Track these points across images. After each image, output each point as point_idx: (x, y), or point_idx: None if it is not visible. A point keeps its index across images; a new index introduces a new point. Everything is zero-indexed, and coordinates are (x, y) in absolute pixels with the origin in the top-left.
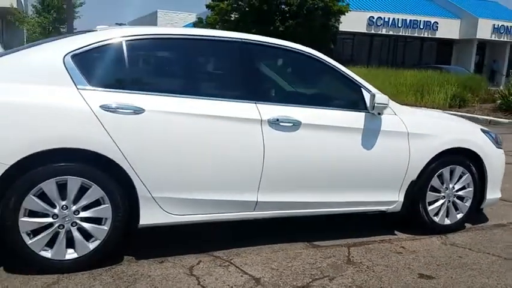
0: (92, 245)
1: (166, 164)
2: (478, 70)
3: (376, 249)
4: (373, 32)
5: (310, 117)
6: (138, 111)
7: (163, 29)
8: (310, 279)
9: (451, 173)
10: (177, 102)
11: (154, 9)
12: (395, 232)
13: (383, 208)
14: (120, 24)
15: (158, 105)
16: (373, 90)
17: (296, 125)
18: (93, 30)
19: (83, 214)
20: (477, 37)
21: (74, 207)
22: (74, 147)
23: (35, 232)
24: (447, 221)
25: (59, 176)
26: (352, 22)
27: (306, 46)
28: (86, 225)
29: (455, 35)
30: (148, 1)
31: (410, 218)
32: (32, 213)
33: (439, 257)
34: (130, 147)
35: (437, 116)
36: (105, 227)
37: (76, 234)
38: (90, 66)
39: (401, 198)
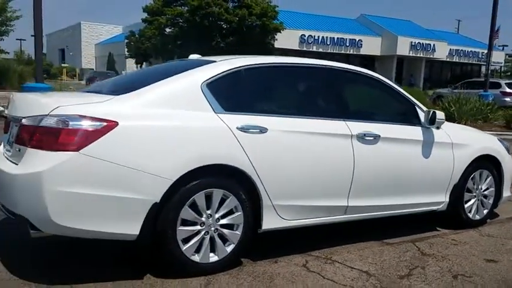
0: (229, 249)
1: (284, 174)
2: (397, 84)
3: (436, 243)
4: (305, 49)
5: (385, 132)
6: (263, 130)
7: (275, 58)
8: (408, 270)
9: (480, 175)
10: (291, 122)
11: (75, 21)
12: (438, 228)
13: (434, 208)
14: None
15: (278, 125)
16: (424, 108)
17: (376, 138)
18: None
19: (222, 221)
20: (397, 53)
21: (216, 216)
22: (218, 163)
23: (186, 240)
24: (477, 217)
25: (207, 189)
26: (286, 40)
27: None
28: (224, 231)
29: (377, 52)
30: (67, 13)
31: (452, 215)
32: (185, 223)
33: (488, 245)
34: (258, 162)
35: (467, 128)
36: (238, 232)
37: (217, 239)
38: (221, 92)
39: (447, 199)
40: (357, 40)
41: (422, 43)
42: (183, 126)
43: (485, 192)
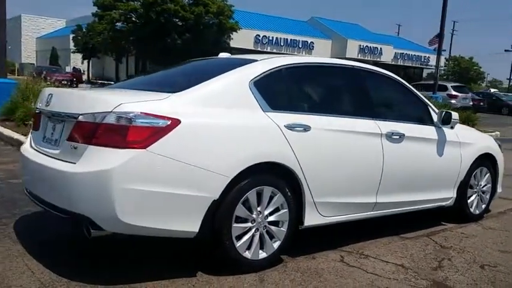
0: (275, 245)
1: (324, 172)
2: None
3: (449, 236)
4: (259, 49)
5: (408, 131)
6: (306, 128)
7: (311, 58)
8: (437, 262)
9: (480, 172)
10: (330, 120)
11: (14, 14)
12: (443, 223)
13: (444, 203)
14: None
15: (319, 123)
16: (436, 109)
17: (401, 137)
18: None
19: (270, 218)
20: (346, 56)
21: (265, 213)
22: (271, 161)
23: (239, 237)
24: (477, 211)
25: (258, 186)
26: (241, 39)
27: None
28: (272, 228)
29: (328, 54)
30: (7, 5)
31: (458, 210)
32: (238, 220)
33: (494, 237)
34: (303, 159)
35: (468, 128)
36: (283, 229)
37: (266, 236)
38: (266, 91)
39: (455, 195)
40: (309, 42)
41: (370, 46)
42: (238, 124)
43: (484, 188)
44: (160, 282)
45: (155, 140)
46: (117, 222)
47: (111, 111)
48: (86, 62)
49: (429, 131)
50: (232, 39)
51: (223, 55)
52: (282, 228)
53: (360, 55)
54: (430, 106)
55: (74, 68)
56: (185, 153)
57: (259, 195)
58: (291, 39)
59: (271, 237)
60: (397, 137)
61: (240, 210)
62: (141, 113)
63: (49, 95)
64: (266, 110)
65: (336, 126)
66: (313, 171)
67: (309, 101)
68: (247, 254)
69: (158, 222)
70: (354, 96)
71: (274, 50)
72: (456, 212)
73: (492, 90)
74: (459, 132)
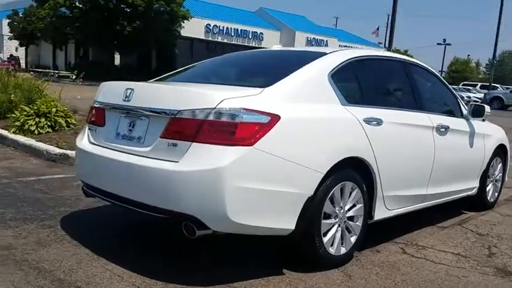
0: (352, 240)
1: (393, 166)
2: None
3: (478, 224)
4: (210, 38)
5: (450, 123)
6: (379, 122)
7: (375, 51)
8: (487, 248)
9: (495, 162)
10: (397, 113)
11: None
12: (463, 211)
13: (470, 193)
14: None
15: (389, 116)
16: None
17: (447, 130)
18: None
19: (348, 214)
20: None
21: (346, 208)
22: (355, 156)
23: (325, 233)
24: (492, 200)
25: (342, 182)
26: (192, 28)
27: (153, 48)
28: (350, 223)
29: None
30: None
31: (478, 199)
32: (325, 216)
33: None
34: (378, 154)
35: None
36: (359, 224)
37: (345, 231)
38: (341, 84)
39: (478, 184)
40: (259, 33)
41: (317, 38)
42: (327, 118)
43: (497, 178)
44: (256, 281)
45: (260, 136)
46: (227, 221)
47: (215, 108)
48: (21, 49)
49: (463, 124)
50: (183, 27)
51: (276, 47)
52: (357, 223)
53: (307, 47)
54: (459, 99)
55: (10, 55)
56: (285, 149)
57: (341, 191)
58: (241, 30)
59: (349, 232)
60: (443, 129)
61: (327, 207)
62: (243, 109)
63: (128, 89)
64: (343, 103)
65: (401, 120)
66: (385, 165)
67: (378, 94)
68: (331, 250)
69: (262, 220)
70: (411, 89)
71: (225, 40)
72: (476, 201)
73: None
74: (482, 124)
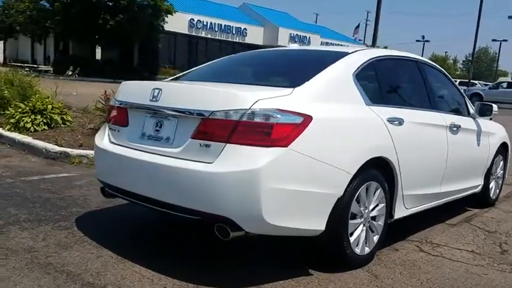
0: (375, 239)
1: (413, 165)
2: None
3: (485, 221)
4: (194, 34)
5: (461, 122)
6: (401, 122)
7: (394, 51)
8: (498, 246)
9: (498, 160)
10: (416, 113)
11: None
12: (468, 208)
13: (475, 190)
14: None
15: (410, 116)
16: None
17: (458, 129)
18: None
19: (372, 214)
20: (278, 44)
21: (370, 207)
22: (381, 156)
23: (351, 233)
24: (493, 197)
25: (367, 182)
26: (175, 23)
27: (135, 43)
28: (374, 222)
29: (260, 41)
30: None
31: (482, 196)
32: (352, 216)
33: None
34: (399, 153)
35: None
36: (381, 223)
37: (369, 231)
38: (364, 84)
39: (482, 182)
40: (242, 29)
41: (300, 35)
42: (355, 118)
43: (499, 175)
44: (286, 282)
45: (294, 137)
46: (262, 223)
47: (249, 108)
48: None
49: (471, 122)
50: (166, 22)
51: (293, 46)
52: (379, 222)
53: (290, 43)
54: (466, 98)
55: None
56: (317, 150)
57: (366, 191)
58: (225, 25)
59: (372, 231)
60: (455, 128)
61: (354, 207)
62: (278, 109)
63: (156, 89)
64: (368, 103)
65: (420, 119)
66: (406, 165)
67: (397, 94)
68: (357, 250)
69: (295, 221)
70: (425, 89)
71: (209, 36)
72: (479, 198)
73: None
74: (486, 123)
